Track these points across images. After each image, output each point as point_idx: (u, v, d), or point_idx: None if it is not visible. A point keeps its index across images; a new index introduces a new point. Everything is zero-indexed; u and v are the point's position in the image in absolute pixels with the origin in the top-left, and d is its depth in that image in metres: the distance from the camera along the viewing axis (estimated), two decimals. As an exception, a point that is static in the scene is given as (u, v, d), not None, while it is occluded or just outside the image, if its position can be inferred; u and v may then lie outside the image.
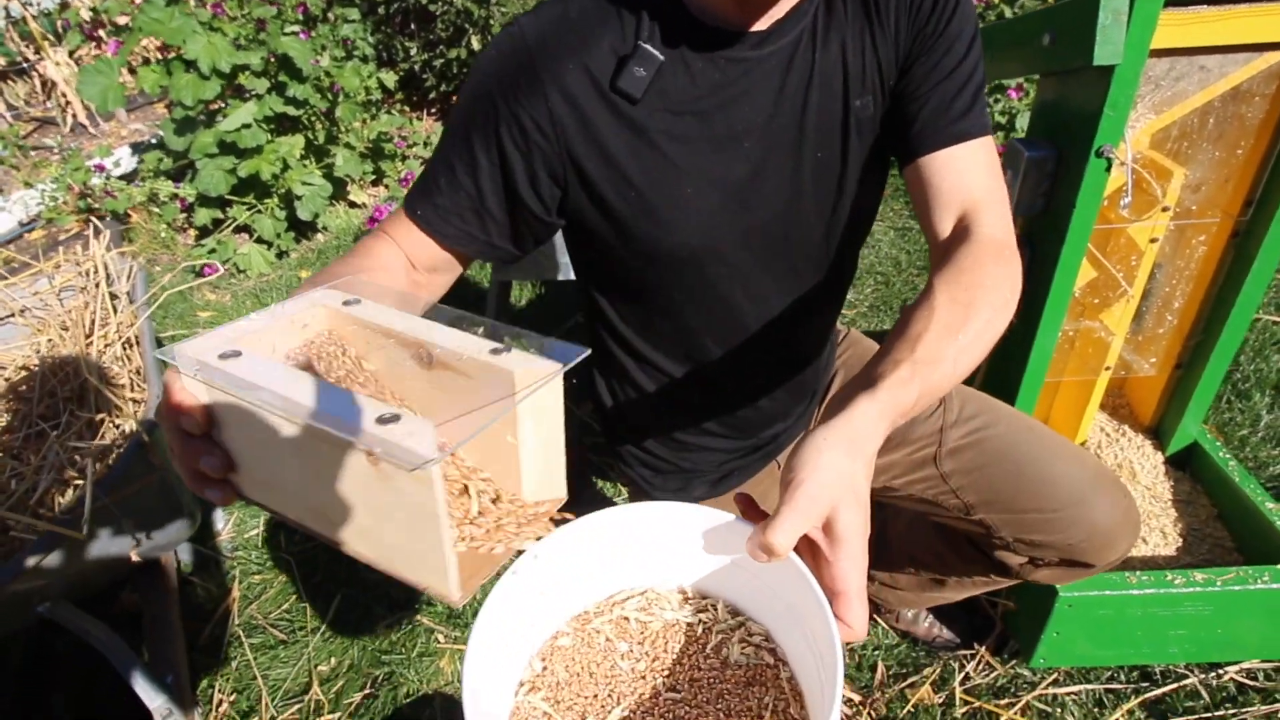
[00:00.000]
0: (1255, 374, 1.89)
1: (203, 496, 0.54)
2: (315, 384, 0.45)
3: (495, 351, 0.50)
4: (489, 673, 0.51)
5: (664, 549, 0.60)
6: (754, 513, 0.57)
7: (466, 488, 0.53)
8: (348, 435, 0.42)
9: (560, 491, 0.56)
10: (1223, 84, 1.08)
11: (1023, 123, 2.83)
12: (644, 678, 0.57)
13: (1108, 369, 1.32)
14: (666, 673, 0.58)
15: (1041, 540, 0.94)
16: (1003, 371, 1.31)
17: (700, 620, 0.61)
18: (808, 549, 0.52)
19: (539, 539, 0.53)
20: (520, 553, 0.53)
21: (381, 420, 0.42)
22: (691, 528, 0.58)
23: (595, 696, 0.56)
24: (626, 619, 0.61)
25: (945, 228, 0.77)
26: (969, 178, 0.77)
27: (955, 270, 0.68)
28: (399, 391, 0.57)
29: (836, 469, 0.49)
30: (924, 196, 0.79)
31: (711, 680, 0.57)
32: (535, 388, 0.49)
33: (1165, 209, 1.14)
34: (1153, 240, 1.18)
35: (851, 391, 0.56)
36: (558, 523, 0.55)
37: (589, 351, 0.52)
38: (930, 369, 0.59)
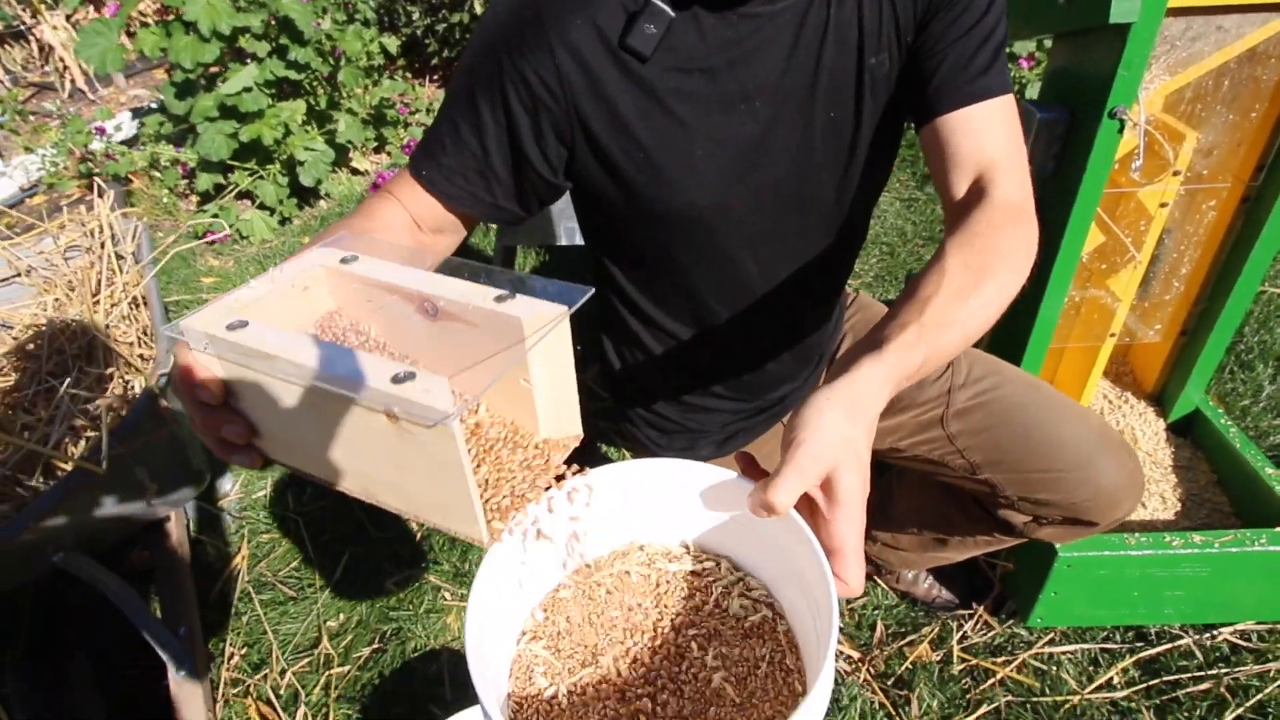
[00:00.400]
0: (1259, 345, 1.89)
1: (231, 462, 0.55)
2: (326, 347, 0.46)
3: (500, 299, 0.51)
4: (491, 624, 0.53)
5: (667, 505, 0.61)
6: (755, 471, 0.58)
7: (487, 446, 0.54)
8: (365, 397, 0.43)
9: (576, 429, 0.57)
10: (1239, 45, 1.07)
11: (1033, 93, 2.80)
12: (643, 628, 0.59)
13: (1113, 336, 1.32)
14: (666, 624, 0.59)
15: (1047, 499, 0.95)
16: (1008, 337, 1.32)
17: (701, 574, 0.62)
18: (807, 507, 0.53)
19: (554, 486, 0.54)
20: (547, 487, 0.54)
21: (397, 379, 0.42)
22: (694, 484, 0.59)
23: (595, 645, 0.58)
24: (628, 573, 0.62)
25: (960, 189, 0.75)
26: (987, 138, 0.75)
27: (969, 234, 0.67)
28: (406, 347, 0.57)
29: (838, 430, 0.50)
30: (940, 157, 0.78)
31: (711, 631, 0.59)
32: (544, 333, 0.49)
33: (1176, 173, 1.14)
34: (1162, 205, 1.17)
35: (857, 354, 0.56)
36: (569, 464, 0.56)
37: (593, 291, 0.52)
38: (938, 333, 0.59)
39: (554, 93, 0.74)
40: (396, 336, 0.57)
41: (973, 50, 0.75)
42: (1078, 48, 1.07)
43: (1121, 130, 1.03)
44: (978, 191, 0.73)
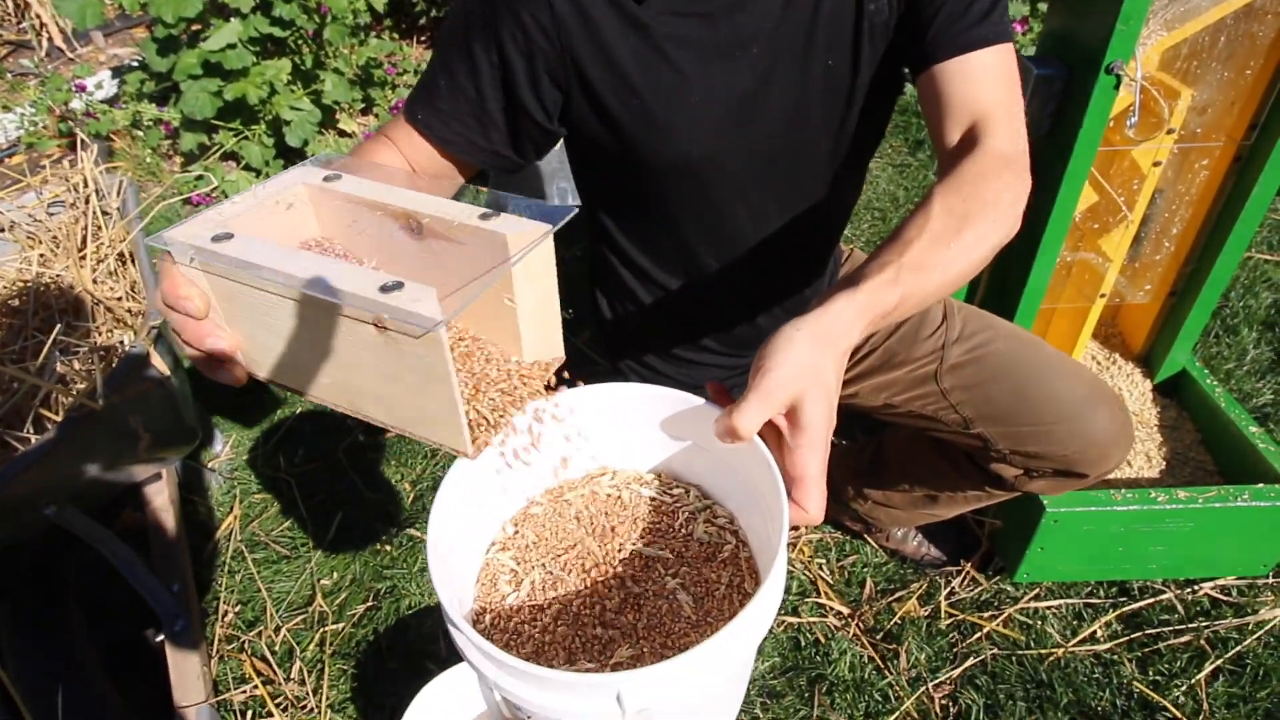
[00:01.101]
0: (1244, 310, 1.91)
1: (216, 379, 0.55)
2: (313, 259, 0.46)
3: (485, 216, 0.51)
4: (460, 533, 0.55)
5: (639, 430, 0.62)
6: (724, 399, 0.59)
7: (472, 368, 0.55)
8: (355, 305, 0.43)
9: (558, 351, 0.58)
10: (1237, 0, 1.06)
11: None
12: (609, 547, 0.61)
13: (1103, 296, 1.33)
14: (632, 544, 0.61)
15: (1038, 452, 0.96)
16: (1000, 297, 1.32)
17: (670, 500, 0.64)
18: (774, 437, 0.53)
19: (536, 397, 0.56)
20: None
21: (385, 289, 0.43)
22: (664, 410, 0.61)
23: (560, 559, 0.60)
24: (597, 494, 0.64)
25: (954, 138, 0.75)
26: (982, 86, 0.74)
27: (957, 181, 0.67)
28: (392, 265, 0.57)
29: (805, 360, 0.50)
30: (935, 106, 0.77)
31: (675, 553, 0.60)
32: (529, 249, 0.50)
33: (1170, 131, 1.14)
34: (1156, 164, 1.17)
35: (834, 290, 0.57)
36: (560, 382, 0.58)
37: (576, 210, 0.52)
38: (916, 275, 0.59)
39: (549, 35, 0.74)
40: (384, 259, 0.57)
41: None
42: (1076, 2, 1.06)
43: (1118, 86, 1.03)
44: (970, 140, 0.72)
